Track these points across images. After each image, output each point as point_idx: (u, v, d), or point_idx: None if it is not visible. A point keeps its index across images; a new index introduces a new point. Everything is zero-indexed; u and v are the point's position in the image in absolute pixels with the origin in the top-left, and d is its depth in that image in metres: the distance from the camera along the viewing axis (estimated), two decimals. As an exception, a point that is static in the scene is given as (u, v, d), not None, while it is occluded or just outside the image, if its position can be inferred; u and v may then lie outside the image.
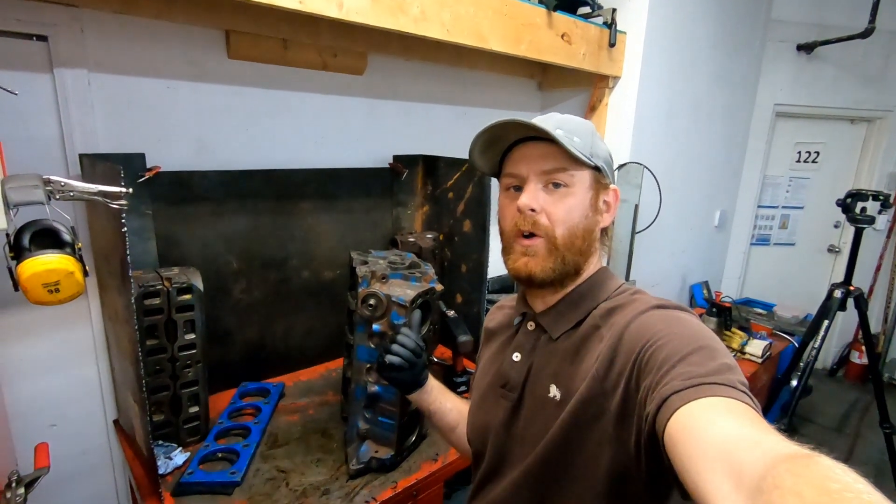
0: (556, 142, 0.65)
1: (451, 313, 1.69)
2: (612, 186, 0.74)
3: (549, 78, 2.36)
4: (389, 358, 0.92)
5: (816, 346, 2.22)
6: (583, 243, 0.70)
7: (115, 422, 1.39)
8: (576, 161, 0.68)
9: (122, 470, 1.44)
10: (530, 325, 0.77)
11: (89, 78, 1.22)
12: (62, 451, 1.27)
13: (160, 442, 1.24)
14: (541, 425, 0.70)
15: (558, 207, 0.69)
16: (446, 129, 2.06)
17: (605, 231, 0.75)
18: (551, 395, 0.70)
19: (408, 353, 0.93)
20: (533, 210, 0.68)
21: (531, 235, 0.70)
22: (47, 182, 0.76)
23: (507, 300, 0.91)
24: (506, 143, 0.73)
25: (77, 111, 1.21)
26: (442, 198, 1.85)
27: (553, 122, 0.70)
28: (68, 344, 1.30)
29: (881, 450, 2.49)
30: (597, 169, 0.71)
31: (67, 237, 0.81)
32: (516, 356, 0.77)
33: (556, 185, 0.69)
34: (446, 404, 0.98)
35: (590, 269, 0.74)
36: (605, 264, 0.77)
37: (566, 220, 0.69)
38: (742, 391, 0.49)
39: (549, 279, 0.70)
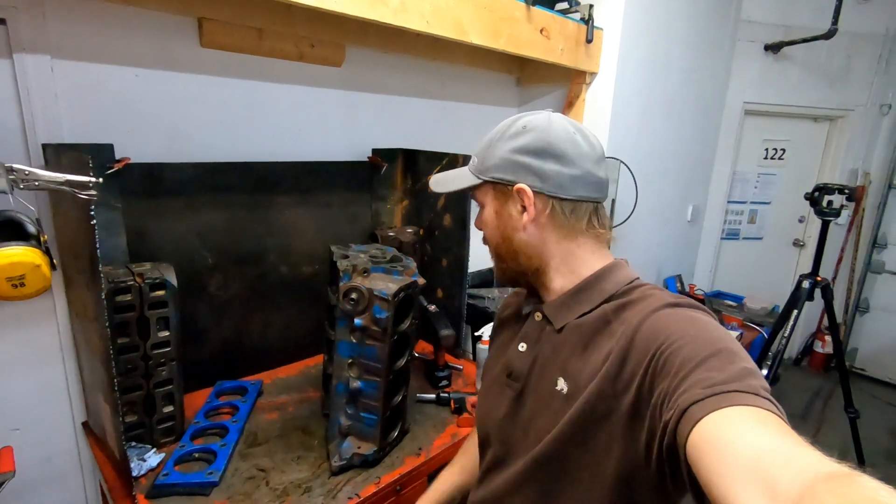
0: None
1: (433, 308, 1.68)
2: (515, 187, 0.69)
3: (526, 73, 2.37)
4: None
5: (786, 334, 2.30)
6: (508, 251, 0.75)
7: (84, 424, 1.34)
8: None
9: (92, 474, 1.38)
10: (538, 316, 0.77)
11: (52, 64, 1.16)
12: (26, 457, 1.21)
13: (133, 443, 1.20)
14: (548, 418, 0.69)
15: (483, 226, 0.78)
16: (426, 123, 2.05)
17: (593, 219, 0.71)
18: (559, 387, 0.68)
19: None
20: (480, 229, 0.80)
21: None
22: (10, 170, 0.72)
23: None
24: None
25: (39, 99, 1.15)
26: (422, 192, 1.84)
27: (479, 144, 0.77)
28: (32, 343, 1.24)
29: (844, 435, 2.61)
30: (492, 181, 0.73)
31: (32, 229, 0.76)
32: (522, 346, 0.77)
33: (480, 205, 0.78)
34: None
35: (590, 264, 0.72)
36: (614, 257, 0.75)
37: (489, 234, 0.77)
38: (765, 398, 0.47)
39: (504, 282, 0.81)
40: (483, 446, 0.86)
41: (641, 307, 0.64)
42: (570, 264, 0.72)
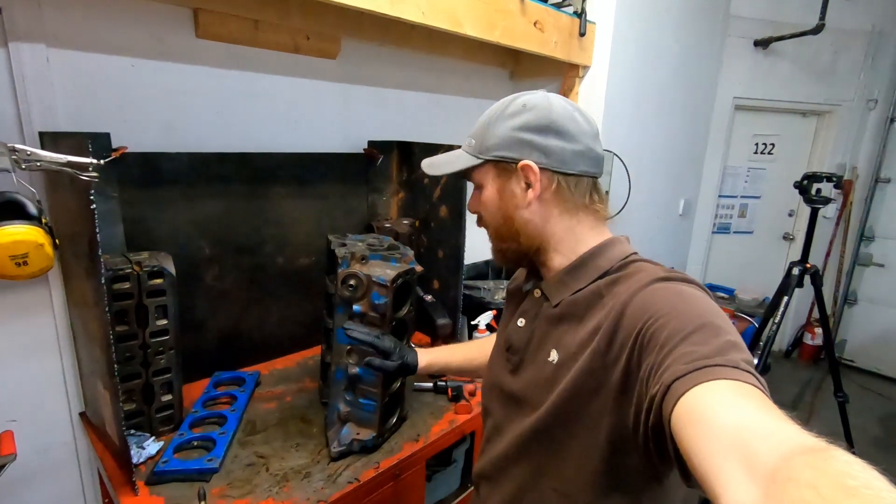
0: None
1: (429, 298, 1.69)
2: (520, 164, 0.70)
3: (520, 67, 2.39)
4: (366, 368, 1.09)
5: (777, 321, 2.34)
6: (509, 231, 0.75)
7: (82, 414, 1.33)
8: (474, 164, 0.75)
9: (90, 464, 1.38)
10: (536, 293, 0.78)
11: (48, 53, 1.16)
12: (23, 447, 1.20)
13: (132, 431, 1.20)
14: (542, 389, 0.70)
15: (481, 207, 0.77)
16: (420, 115, 2.06)
17: (593, 194, 0.73)
18: (551, 359, 0.70)
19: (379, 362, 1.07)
20: (475, 212, 0.80)
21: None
22: (13, 150, 0.72)
23: None
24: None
25: (35, 88, 1.14)
26: (418, 184, 1.85)
27: (475, 126, 0.77)
28: (28, 333, 1.23)
29: (833, 424, 2.66)
30: (494, 160, 0.73)
31: (34, 210, 0.77)
32: (521, 322, 0.79)
33: (478, 187, 0.77)
34: (453, 365, 1.14)
35: (588, 241, 0.73)
36: (612, 234, 0.76)
37: (488, 216, 0.77)
38: (746, 370, 0.48)
39: (504, 263, 0.81)
40: (484, 416, 0.88)
41: (632, 282, 0.65)
42: (570, 242, 0.74)
